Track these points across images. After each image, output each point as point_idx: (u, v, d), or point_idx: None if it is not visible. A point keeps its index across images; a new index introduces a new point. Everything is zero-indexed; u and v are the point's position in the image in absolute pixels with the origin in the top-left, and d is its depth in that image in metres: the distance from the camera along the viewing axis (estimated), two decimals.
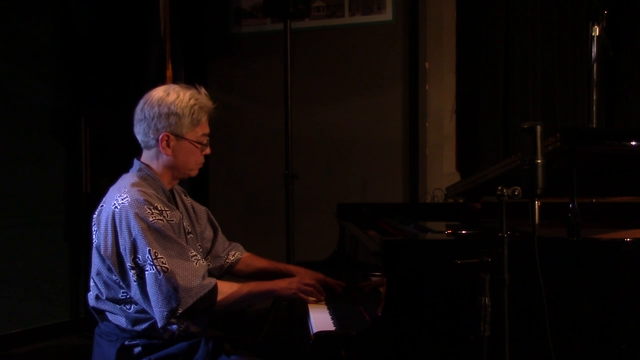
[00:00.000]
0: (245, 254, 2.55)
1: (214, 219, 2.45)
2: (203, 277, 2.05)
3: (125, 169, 2.24)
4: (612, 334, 1.87)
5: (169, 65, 4.13)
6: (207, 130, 2.21)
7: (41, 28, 4.41)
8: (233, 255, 2.51)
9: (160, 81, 3.81)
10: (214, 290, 2.05)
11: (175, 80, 3.99)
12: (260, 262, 2.53)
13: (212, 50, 4.82)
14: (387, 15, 4.41)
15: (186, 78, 4.03)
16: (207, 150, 2.22)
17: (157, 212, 2.04)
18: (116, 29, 4.65)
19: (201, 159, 2.23)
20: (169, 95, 2.13)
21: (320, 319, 2.12)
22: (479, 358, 1.63)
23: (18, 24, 4.26)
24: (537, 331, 1.76)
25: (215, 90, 4.69)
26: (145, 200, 2.04)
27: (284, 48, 3.89)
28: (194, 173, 2.24)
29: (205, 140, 2.20)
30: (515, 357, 1.63)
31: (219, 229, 2.46)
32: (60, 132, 4.51)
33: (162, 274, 1.97)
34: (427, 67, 4.37)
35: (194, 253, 2.09)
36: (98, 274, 2.11)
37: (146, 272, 1.99)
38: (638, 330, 1.87)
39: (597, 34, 3.11)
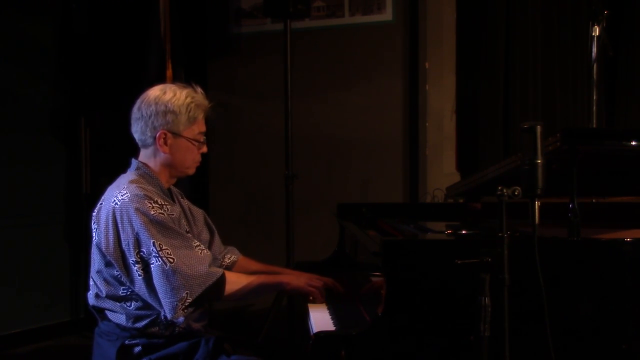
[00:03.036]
0: (241, 257, 2.55)
1: (210, 222, 2.46)
2: (209, 266, 2.06)
3: (125, 169, 2.25)
4: (612, 334, 1.87)
5: (169, 65, 4.13)
6: (203, 128, 2.22)
7: (41, 28, 4.41)
8: (229, 259, 2.51)
9: (160, 81, 3.78)
10: (222, 279, 2.07)
11: (175, 81, 3.99)
12: (255, 265, 2.53)
13: (212, 50, 4.82)
14: (387, 15, 4.41)
15: (186, 78, 4.03)
16: (204, 149, 2.24)
17: (158, 205, 2.06)
18: (116, 29, 4.65)
19: (198, 157, 2.24)
20: (165, 94, 2.16)
21: (320, 319, 2.12)
22: (479, 358, 1.63)
23: (18, 24, 4.26)
24: (537, 331, 1.76)
25: (215, 90, 4.70)
26: (145, 195, 2.06)
27: (284, 48, 3.89)
28: (191, 171, 2.26)
29: (202, 138, 2.22)
30: (515, 357, 1.63)
31: (216, 231, 2.46)
32: (60, 132, 4.51)
33: (168, 265, 1.98)
34: (427, 67, 4.37)
35: (198, 243, 2.11)
36: (98, 271, 2.11)
37: (152, 265, 1.99)
38: (638, 331, 1.87)
39: (597, 34, 3.11)
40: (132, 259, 2.01)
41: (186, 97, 2.16)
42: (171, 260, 1.99)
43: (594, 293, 1.88)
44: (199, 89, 2.23)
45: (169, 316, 2.01)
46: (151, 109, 2.14)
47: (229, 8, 4.74)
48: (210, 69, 4.80)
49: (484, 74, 4.51)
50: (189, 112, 2.15)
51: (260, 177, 4.66)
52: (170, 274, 1.98)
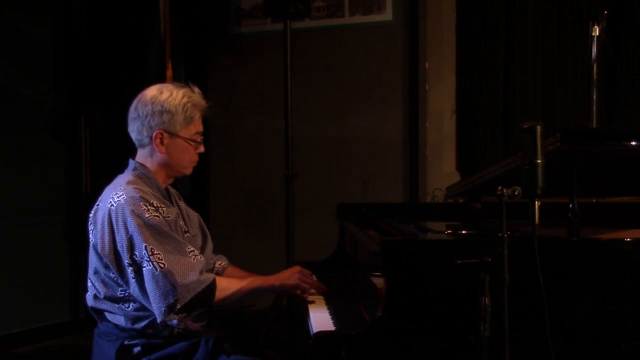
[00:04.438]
0: (230, 267, 2.53)
1: (204, 226, 2.43)
2: (200, 272, 2.04)
3: (124, 169, 2.24)
4: (612, 334, 1.88)
5: (169, 65, 4.13)
6: (200, 128, 2.21)
7: (41, 28, 4.41)
8: (220, 265, 2.50)
9: (160, 81, 3.80)
10: (212, 285, 2.05)
11: (175, 81, 3.99)
12: (241, 274, 2.50)
13: (212, 50, 4.82)
14: (387, 15, 4.41)
15: (186, 78, 4.03)
16: (201, 149, 2.22)
17: (153, 208, 2.05)
18: (116, 29, 4.65)
19: (195, 157, 2.22)
20: (162, 94, 2.14)
21: (320, 319, 2.12)
22: (479, 358, 1.63)
23: (18, 24, 4.26)
24: (537, 331, 1.76)
25: (215, 90, 4.70)
26: (141, 197, 2.05)
27: (284, 48, 3.89)
28: (188, 171, 2.24)
29: (199, 138, 2.20)
30: (515, 357, 1.63)
31: (209, 236, 2.43)
32: (60, 132, 4.51)
33: (158, 270, 1.97)
34: (427, 67, 4.37)
35: (192, 248, 2.09)
36: (96, 272, 2.11)
37: (143, 269, 1.99)
38: (638, 331, 1.87)
39: (597, 34, 3.11)
40: (126, 261, 2.01)
41: (183, 97, 2.14)
42: (162, 265, 1.98)
43: (594, 293, 1.88)
44: (196, 89, 2.21)
45: (158, 320, 2.01)
46: (147, 108, 2.13)
47: (229, 8, 4.74)
48: (210, 69, 4.80)
49: (484, 74, 4.51)
50: (186, 111, 2.14)
51: (260, 177, 4.66)
52: (160, 279, 1.97)
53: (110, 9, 4.64)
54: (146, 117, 2.12)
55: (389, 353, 1.83)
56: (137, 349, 2.08)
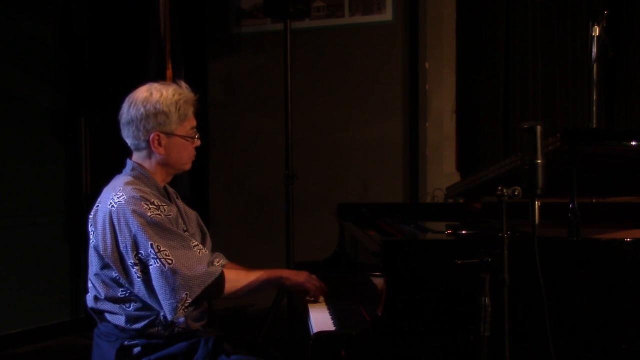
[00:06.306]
0: (227, 263, 2.54)
1: (202, 224, 2.43)
2: (208, 265, 2.06)
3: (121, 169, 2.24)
4: (612, 334, 1.87)
5: (169, 65, 4.13)
6: (194, 122, 2.22)
7: (41, 28, 4.41)
8: (218, 262, 2.50)
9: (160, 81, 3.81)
10: (221, 277, 2.07)
11: (175, 80, 3.98)
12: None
13: (212, 50, 4.82)
14: (387, 15, 4.41)
15: (186, 78, 4.03)
16: (198, 142, 2.23)
17: (155, 207, 2.06)
18: (116, 29, 4.65)
19: (193, 152, 2.24)
20: (152, 95, 2.14)
21: (320, 319, 2.12)
22: (479, 358, 1.63)
23: (18, 24, 4.26)
24: (537, 331, 1.76)
25: (215, 90, 4.70)
26: (142, 196, 2.05)
27: (284, 48, 3.89)
28: (188, 167, 2.26)
29: (194, 133, 2.21)
30: (515, 357, 1.63)
31: (207, 233, 2.43)
32: (60, 132, 4.51)
33: (167, 266, 1.97)
34: (427, 67, 4.37)
35: (196, 243, 2.11)
36: (96, 274, 2.11)
37: (150, 267, 1.99)
38: (638, 331, 1.87)
39: (597, 34, 3.11)
40: (130, 261, 2.01)
41: (174, 95, 2.15)
42: (169, 261, 1.98)
43: (594, 293, 1.88)
44: (183, 83, 2.22)
45: (169, 317, 2.01)
46: (140, 112, 2.12)
47: (229, 8, 4.74)
48: (210, 69, 4.80)
49: (484, 74, 4.51)
50: (179, 109, 2.15)
51: (260, 178, 4.66)
52: (169, 275, 1.97)
53: (110, 9, 4.64)
54: (140, 120, 2.12)
55: (389, 353, 1.83)
56: (137, 349, 2.09)
